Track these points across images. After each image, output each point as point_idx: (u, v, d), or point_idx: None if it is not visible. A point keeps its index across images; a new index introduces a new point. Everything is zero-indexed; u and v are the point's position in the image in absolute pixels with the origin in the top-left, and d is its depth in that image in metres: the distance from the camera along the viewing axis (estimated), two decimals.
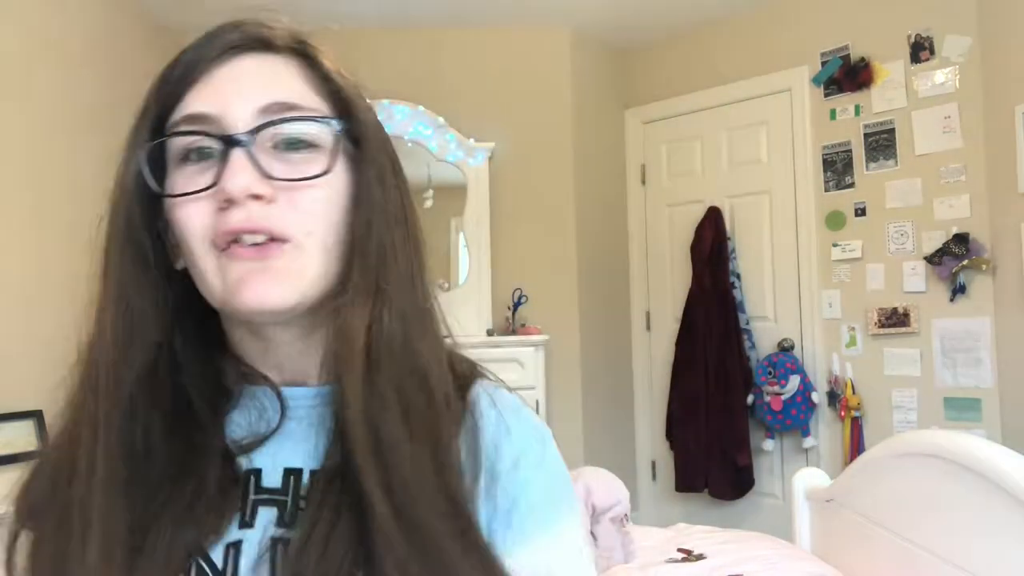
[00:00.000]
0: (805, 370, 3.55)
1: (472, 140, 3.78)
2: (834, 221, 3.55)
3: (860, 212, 3.47)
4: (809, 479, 2.14)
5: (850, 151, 3.49)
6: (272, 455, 0.58)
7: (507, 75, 3.87)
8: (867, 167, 3.44)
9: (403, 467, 0.52)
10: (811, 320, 3.61)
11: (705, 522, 2.63)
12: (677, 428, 3.87)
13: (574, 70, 3.93)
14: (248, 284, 0.54)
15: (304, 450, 0.58)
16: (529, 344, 3.60)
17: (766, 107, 3.77)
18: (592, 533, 1.96)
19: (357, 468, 0.52)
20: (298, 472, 0.57)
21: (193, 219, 0.55)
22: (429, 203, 3.70)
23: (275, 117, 0.55)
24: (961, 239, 3.16)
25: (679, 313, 3.93)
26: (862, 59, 3.44)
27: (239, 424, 0.59)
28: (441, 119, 3.73)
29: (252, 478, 0.57)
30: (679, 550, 1.98)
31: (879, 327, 3.39)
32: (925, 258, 3.26)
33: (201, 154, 0.55)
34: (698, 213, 3.91)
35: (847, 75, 3.49)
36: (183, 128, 0.56)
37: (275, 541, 0.54)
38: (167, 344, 0.58)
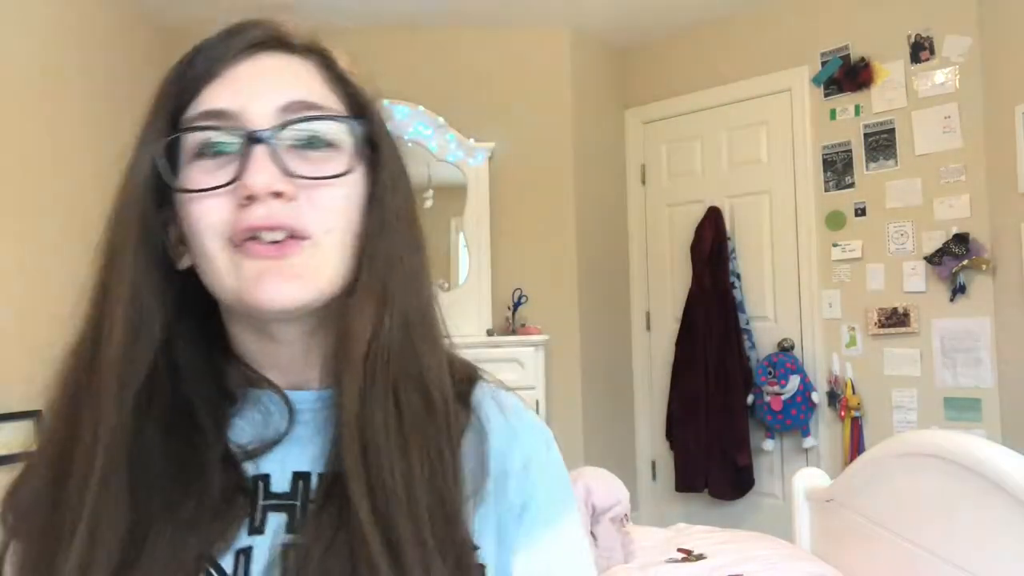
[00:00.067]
0: (805, 370, 3.55)
1: (472, 140, 3.78)
2: (834, 221, 3.55)
3: (860, 212, 3.47)
4: (809, 479, 2.14)
5: (850, 151, 3.49)
6: (280, 460, 0.58)
7: (507, 75, 3.87)
8: (867, 167, 3.44)
9: (389, 473, 0.52)
10: (811, 320, 3.61)
11: (705, 522, 2.63)
12: (677, 428, 3.88)
13: (574, 70, 3.93)
14: (266, 281, 0.54)
15: (311, 454, 0.58)
16: (529, 344, 3.60)
17: (766, 107, 3.77)
18: (592, 533, 1.96)
19: (346, 472, 0.53)
20: (307, 476, 0.57)
21: (210, 214, 0.54)
22: (429, 203, 3.69)
23: (297, 115, 0.56)
24: (961, 239, 3.16)
25: (679, 313, 3.93)
26: (862, 59, 3.44)
27: (243, 429, 0.59)
28: (441, 119, 3.73)
29: (261, 484, 0.57)
30: (679, 550, 1.98)
31: (879, 327, 3.39)
32: (925, 258, 3.26)
33: (217, 150, 0.55)
34: (698, 213, 3.91)
35: (847, 75, 3.49)
36: (201, 123, 0.55)
37: (286, 547, 0.54)
38: (168, 346, 0.57)
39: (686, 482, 3.80)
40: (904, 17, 3.34)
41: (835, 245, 3.53)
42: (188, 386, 0.58)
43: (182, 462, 0.55)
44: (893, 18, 3.36)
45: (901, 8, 3.35)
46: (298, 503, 0.56)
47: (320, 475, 0.57)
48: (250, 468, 0.57)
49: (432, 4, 3.62)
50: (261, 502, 0.56)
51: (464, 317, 3.58)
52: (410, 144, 3.68)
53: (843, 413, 3.44)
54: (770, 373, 3.56)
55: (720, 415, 3.64)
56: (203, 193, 0.54)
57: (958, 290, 3.17)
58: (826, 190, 3.57)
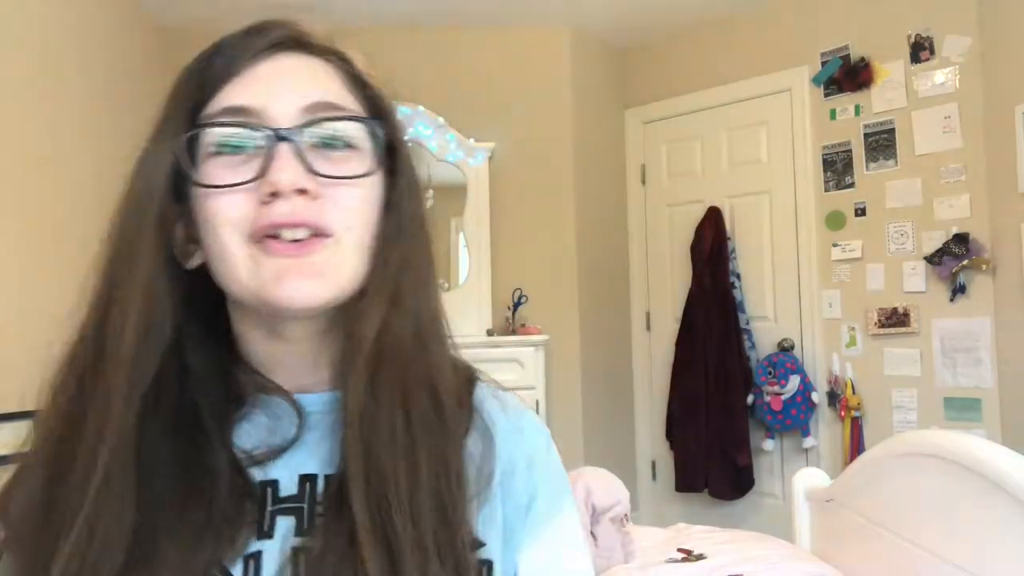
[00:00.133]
0: (805, 370, 3.55)
1: (472, 140, 3.78)
2: (834, 221, 3.55)
3: (860, 212, 3.47)
4: (809, 479, 2.14)
5: (850, 151, 3.49)
6: (287, 464, 0.58)
7: (507, 75, 3.87)
8: (867, 167, 3.44)
9: (392, 474, 0.53)
10: (811, 320, 3.61)
11: (705, 522, 2.63)
12: (677, 428, 3.88)
13: (574, 70, 3.93)
14: (287, 279, 0.54)
15: (319, 456, 0.58)
16: (529, 344, 3.60)
17: (766, 107, 3.77)
18: (592, 533, 1.96)
19: (348, 475, 0.53)
20: (313, 478, 0.57)
21: (230, 209, 0.54)
22: (429, 203, 3.67)
23: (320, 115, 0.56)
24: (961, 239, 3.16)
25: (679, 313, 3.93)
26: (862, 59, 3.44)
27: (248, 434, 0.58)
28: (441, 119, 3.73)
29: (269, 490, 0.57)
30: (679, 550, 1.98)
31: (879, 327, 3.39)
32: (925, 258, 3.26)
33: (236, 147, 0.55)
34: (698, 213, 3.91)
35: (847, 75, 3.49)
36: (223, 119, 0.55)
37: (295, 551, 0.54)
38: (177, 347, 0.57)
39: (686, 482, 3.80)
40: (904, 17, 3.34)
41: (835, 245, 3.53)
42: (195, 388, 0.58)
43: (188, 465, 0.55)
44: (893, 18, 3.37)
45: (901, 8, 3.35)
46: (305, 506, 0.56)
47: (327, 477, 0.57)
48: (257, 474, 0.57)
49: (432, 4, 3.62)
50: (269, 507, 0.56)
51: (464, 317, 3.58)
52: (410, 144, 3.68)
53: (843, 413, 3.44)
54: (770, 373, 3.56)
55: (720, 415, 3.64)
56: (224, 189, 0.54)
57: (958, 290, 3.17)
58: (826, 190, 3.57)
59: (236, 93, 0.56)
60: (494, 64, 3.87)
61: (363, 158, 0.58)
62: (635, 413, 4.19)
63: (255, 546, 0.54)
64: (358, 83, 0.61)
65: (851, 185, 3.49)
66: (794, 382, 3.51)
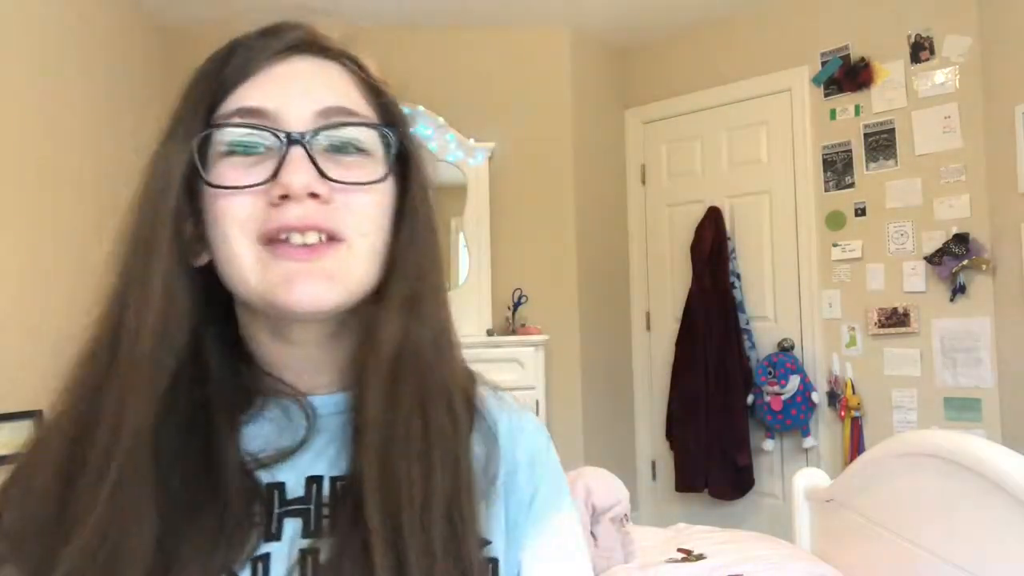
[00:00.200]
0: (805, 370, 3.55)
1: (472, 140, 3.78)
2: (834, 221, 3.55)
3: (860, 212, 3.47)
4: (809, 479, 2.14)
5: (850, 151, 3.49)
6: (293, 466, 0.57)
7: (507, 75, 3.87)
8: (867, 167, 3.44)
9: (406, 478, 0.53)
10: (811, 320, 3.61)
11: (705, 522, 2.63)
12: (677, 428, 3.87)
13: (574, 70, 3.93)
14: (296, 283, 0.54)
15: (326, 457, 0.58)
16: (529, 344, 3.59)
17: (766, 107, 3.77)
18: (592, 533, 1.96)
19: (362, 477, 0.53)
20: (319, 479, 0.57)
21: (239, 210, 0.54)
22: None
23: (334, 120, 0.56)
24: (961, 239, 3.16)
25: (679, 313, 3.93)
26: (862, 59, 3.44)
27: (255, 436, 0.58)
28: (441, 119, 3.73)
29: (276, 492, 0.56)
30: (679, 550, 1.98)
31: (879, 327, 3.39)
32: (925, 258, 3.26)
33: (248, 149, 0.55)
34: (698, 213, 3.91)
35: (847, 75, 3.49)
36: (237, 120, 0.55)
37: (303, 553, 0.54)
38: (194, 347, 0.57)
39: (686, 482, 3.80)
40: (904, 17, 3.34)
41: (835, 245, 3.53)
42: (210, 389, 0.57)
43: (200, 468, 0.54)
44: (893, 18, 3.37)
45: (901, 8, 3.35)
46: (312, 507, 0.56)
47: (333, 478, 0.57)
48: (264, 476, 0.56)
49: (432, 4, 3.62)
50: (276, 510, 0.56)
51: (464, 317, 3.58)
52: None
53: (843, 413, 3.44)
54: (770, 373, 3.56)
55: (720, 415, 3.64)
56: (236, 190, 0.54)
57: (958, 290, 3.17)
58: (826, 190, 3.57)
59: (250, 94, 0.56)
60: (494, 64, 3.87)
61: (375, 164, 0.58)
62: (635, 413, 4.19)
63: (263, 548, 0.54)
64: (372, 89, 0.61)
65: (851, 185, 3.49)
66: (794, 382, 3.51)
